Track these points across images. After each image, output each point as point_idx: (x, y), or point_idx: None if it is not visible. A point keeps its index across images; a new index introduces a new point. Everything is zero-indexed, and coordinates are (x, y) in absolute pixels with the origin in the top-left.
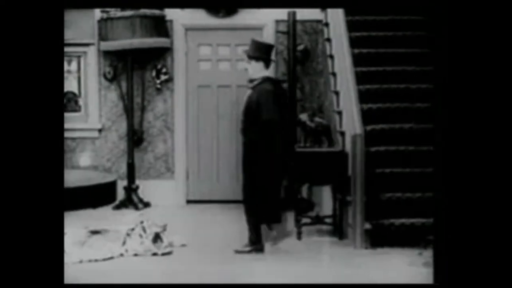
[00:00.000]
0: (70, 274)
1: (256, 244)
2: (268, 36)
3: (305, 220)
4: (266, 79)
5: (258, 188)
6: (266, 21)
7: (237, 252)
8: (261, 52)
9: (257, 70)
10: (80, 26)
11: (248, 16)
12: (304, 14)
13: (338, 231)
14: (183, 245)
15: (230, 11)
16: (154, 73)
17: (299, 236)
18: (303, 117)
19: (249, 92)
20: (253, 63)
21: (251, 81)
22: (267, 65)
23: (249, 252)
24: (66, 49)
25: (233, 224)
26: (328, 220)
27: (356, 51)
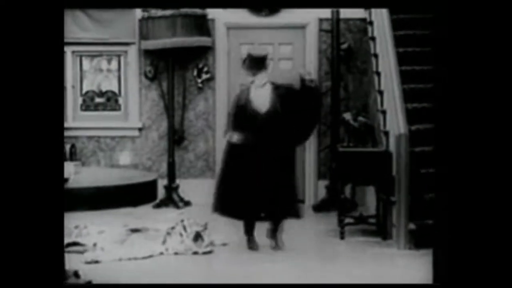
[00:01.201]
0: (109, 272)
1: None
2: (311, 35)
3: (348, 220)
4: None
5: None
6: (309, 20)
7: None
8: (261, 63)
9: (262, 78)
10: (121, 25)
11: (291, 15)
12: (347, 12)
13: (382, 231)
14: (224, 244)
15: (272, 10)
16: (195, 72)
17: (342, 236)
18: (347, 116)
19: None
20: (258, 75)
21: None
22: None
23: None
24: (106, 48)
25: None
26: (371, 220)
27: (401, 49)
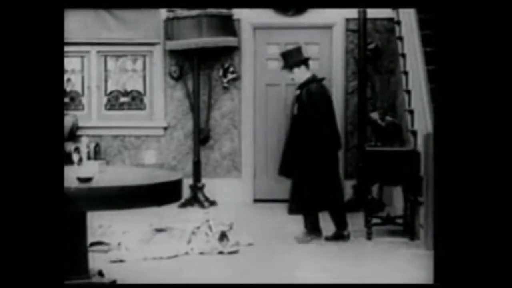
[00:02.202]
0: (134, 271)
1: (314, 231)
2: (338, 35)
3: (375, 220)
4: (312, 79)
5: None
6: (336, 20)
7: (298, 241)
8: (295, 57)
9: (302, 74)
10: (146, 25)
11: (317, 15)
12: (374, 12)
13: (409, 231)
14: (250, 244)
15: (299, 10)
16: (221, 72)
17: (369, 236)
18: (374, 116)
19: (297, 92)
20: (296, 70)
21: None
22: (307, 66)
23: (310, 241)
24: (131, 48)
25: (300, 224)
26: (399, 221)
27: (429, 49)
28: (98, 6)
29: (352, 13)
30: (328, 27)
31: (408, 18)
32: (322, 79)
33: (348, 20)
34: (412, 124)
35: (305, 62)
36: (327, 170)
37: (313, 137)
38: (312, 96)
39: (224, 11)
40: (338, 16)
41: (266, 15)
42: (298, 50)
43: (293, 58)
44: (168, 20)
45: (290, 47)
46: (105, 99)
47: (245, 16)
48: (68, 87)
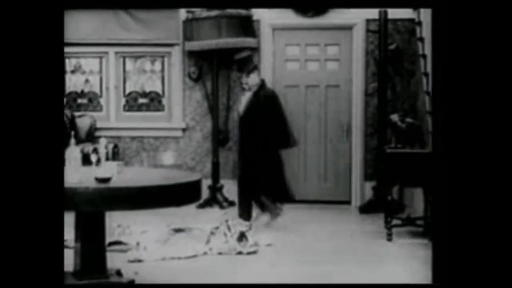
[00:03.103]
0: (152, 272)
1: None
2: (358, 36)
3: (395, 221)
4: (262, 84)
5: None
6: (356, 20)
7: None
8: (250, 63)
9: (255, 79)
10: (165, 26)
11: (337, 16)
12: (395, 13)
13: (430, 233)
14: (269, 245)
15: (319, 11)
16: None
17: (389, 237)
18: (394, 117)
19: (248, 95)
20: (251, 75)
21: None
22: (259, 71)
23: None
24: (150, 49)
25: (319, 224)
26: (419, 222)
27: None
28: (98, 6)
29: (373, 13)
30: (348, 28)
31: (429, 18)
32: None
33: (368, 21)
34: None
35: (256, 68)
36: (272, 165)
37: (264, 135)
38: (266, 99)
39: (243, 11)
40: (358, 16)
41: (285, 16)
42: (250, 57)
43: (248, 64)
44: (187, 21)
45: (244, 54)
46: (123, 100)
47: (264, 16)
48: (86, 88)
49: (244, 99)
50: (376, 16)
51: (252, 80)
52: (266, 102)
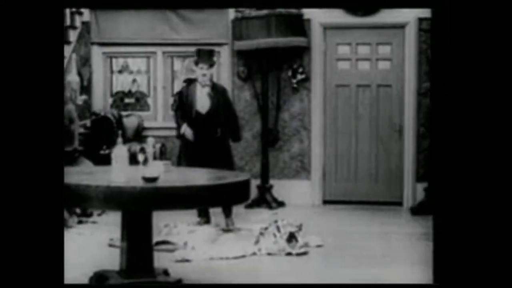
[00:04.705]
0: (200, 271)
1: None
2: (410, 35)
3: None
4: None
5: None
6: (408, 19)
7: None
8: (214, 57)
9: (212, 73)
10: (213, 26)
11: (389, 15)
12: None
13: None
14: (319, 246)
15: (370, 10)
16: (290, 73)
17: None
18: None
19: (207, 90)
20: (213, 69)
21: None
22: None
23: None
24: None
25: (370, 226)
26: None
27: None
28: (98, 6)
29: (425, 12)
30: (401, 27)
31: None
32: None
33: (421, 20)
34: None
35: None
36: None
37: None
38: (226, 92)
39: (293, 10)
40: (410, 15)
41: (336, 15)
42: (214, 51)
43: (213, 57)
44: (236, 21)
45: (208, 48)
46: (171, 100)
47: (315, 15)
48: (133, 88)
49: (200, 95)
50: (429, 15)
51: (210, 74)
52: (224, 97)
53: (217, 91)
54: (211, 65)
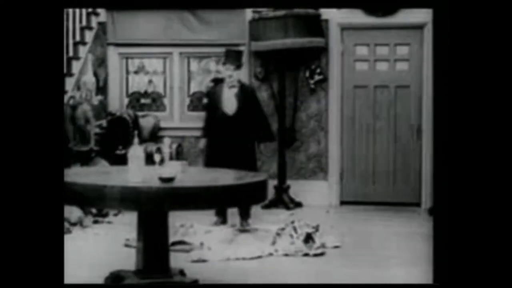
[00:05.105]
0: (216, 272)
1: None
2: (429, 35)
3: None
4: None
5: None
6: (427, 19)
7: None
8: (241, 59)
9: (238, 76)
10: (230, 26)
11: (407, 15)
12: None
13: None
14: (336, 247)
15: (388, 10)
16: (307, 73)
17: None
18: None
19: (235, 91)
20: (240, 70)
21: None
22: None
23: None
24: (215, 49)
25: (388, 226)
26: None
27: None
28: (98, 6)
29: None
30: (419, 27)
31: None
32: None
33: None
34: None
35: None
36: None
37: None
38: (254, 92)
39: (311, 11)
40: (429, 16)
41: (354, 15)
42: (242, 53)
43: (241, 59)
44: (253, 21)
45: (236, 49)
46: (187, 100)
47: (332, 16)
48: (150, 88)
49: (226, 96)
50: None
51: (237, 76)
52: (253, 98)
53: (246, 92)
54: (238, 66)
